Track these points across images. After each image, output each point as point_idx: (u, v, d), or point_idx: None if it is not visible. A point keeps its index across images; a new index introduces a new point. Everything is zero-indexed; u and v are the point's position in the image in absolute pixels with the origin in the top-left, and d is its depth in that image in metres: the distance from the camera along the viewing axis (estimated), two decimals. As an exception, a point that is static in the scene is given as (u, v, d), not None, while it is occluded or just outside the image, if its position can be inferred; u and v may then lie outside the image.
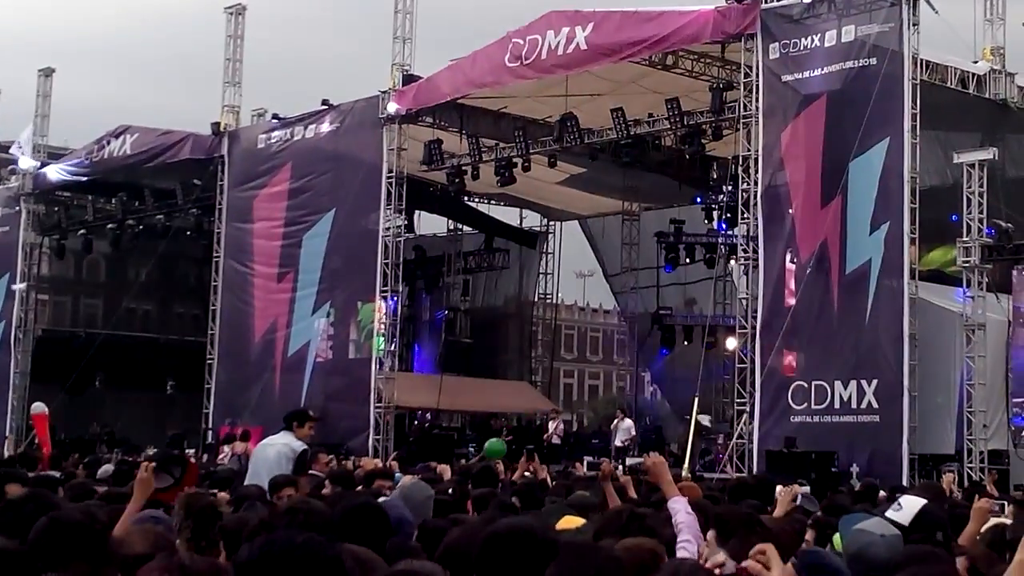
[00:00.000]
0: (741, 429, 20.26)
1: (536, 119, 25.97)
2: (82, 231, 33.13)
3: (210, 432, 27.33)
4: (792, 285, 20.01)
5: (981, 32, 22.02)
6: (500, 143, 25.85)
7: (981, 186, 19.13)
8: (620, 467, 15.42)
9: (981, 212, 19.18)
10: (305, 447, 9.59)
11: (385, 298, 25.64)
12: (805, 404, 19.59)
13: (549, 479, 11.24)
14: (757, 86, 20.58)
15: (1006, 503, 8.66)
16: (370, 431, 24.96)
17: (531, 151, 25.18)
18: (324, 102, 27.33)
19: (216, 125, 29.00)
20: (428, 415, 29.04)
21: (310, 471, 9.67)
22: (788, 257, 20.16)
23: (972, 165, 19.26)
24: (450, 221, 34.83)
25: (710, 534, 4.87)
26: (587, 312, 61.06)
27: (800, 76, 20.24)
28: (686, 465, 19.60)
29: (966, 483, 16.90)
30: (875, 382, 18.90)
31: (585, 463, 20.55)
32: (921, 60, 19.61)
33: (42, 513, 3.77)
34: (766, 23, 20.64)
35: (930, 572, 4.28)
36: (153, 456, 5.44)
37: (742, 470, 19.34)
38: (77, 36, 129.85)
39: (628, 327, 34.05)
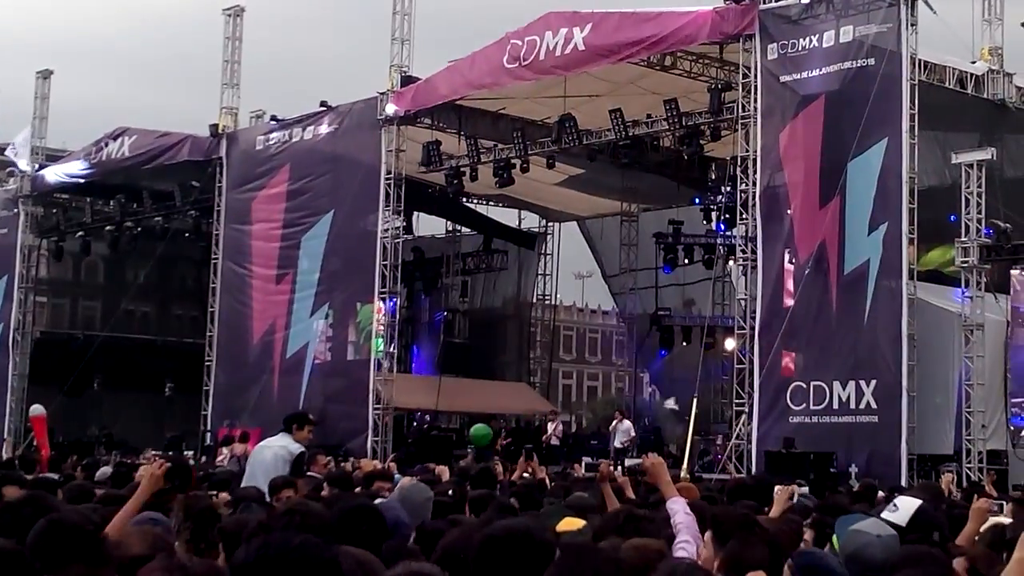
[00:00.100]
0: (740, 430, 20.26)
1: (534, 120, 25.99)
2: (80, 233, 33.14)
3: (208, 434, 27.32)
4: (791, 286, 20.01)
5: (979, 32, 22.05)
6: (499, 144, 25.86)
7: (979, 186, 19.14)
8: (618, 468, 15.41)
9: (979, 212, 19.18)
10: (302, 449, 9.58)
11: (384, 299, 25.64)
12: (804, 404, 19.59)
13: (548, 480, 11.23)
14: (755, 87, 20.59)
15: (1005, 503, 8.65)
16: (369, 432, 24.96)
17: (529, 152, 25.20)
18: (322, 104, 27.34)
19: (214, 127, 29.00)
20: (427, 416, 29.05)
21: (308, 473, 9.67)
22: (787, 258, 20.16)
23: (970, 165, 19.26)
24: (449, 222, 34.84)
25: (707, 535, 4.86)
26: (586, 313, 61.08)
27: (798, 77, 20.24)
28: (685, 466, 19.61)
29: (965, 483, 16.89)
30: (874, 382, 18.91)
31: (583, 464, 20.54)
32: (919, 60, 19.61)
33: (40, 515, 3.77)
34: (764, 24, 20.65)
35: (927, 573, 4.28)
36: (169, 457, 5.43)
37: (741, 471, 19.35)
38: (75, 38, 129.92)
39: (627, 328, 34.06)
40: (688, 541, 5.13)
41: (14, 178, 33.43)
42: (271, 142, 28.09)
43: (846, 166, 19.23)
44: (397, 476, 10.15)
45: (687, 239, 28.66)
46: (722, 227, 26.73)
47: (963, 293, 19.52)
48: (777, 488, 7.25)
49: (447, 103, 25.34)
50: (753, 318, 20.31)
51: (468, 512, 6.58)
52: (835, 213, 19.43)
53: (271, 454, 9.59)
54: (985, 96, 21.47)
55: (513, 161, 25.48)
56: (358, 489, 8.64)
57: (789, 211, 20.18)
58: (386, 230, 25.65)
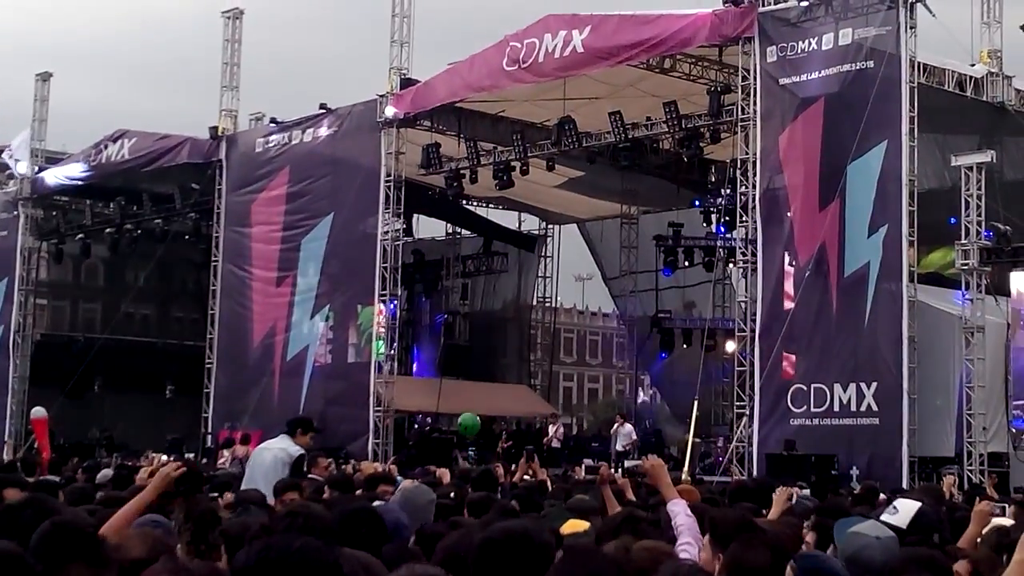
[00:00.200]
0: (741, 432, 20.25)
1: (534, 123, 25.99)
2: (80, 235, 33.14)
3: (209, 436, 27.32)
4: (791, 288, 20.01)
5: (978, 35, 22.06)
6: (498, 147, 25.87)
7: (979, 189, 19.14)
8: (618, 470, 15.41)
9: (979, 215, 19.18)
10: (302, 452, 9.59)
11: (384, 302, 25.64)
12: (804, 407, 19.58)
13: (549, 482, 11.22)
14: (755, 89, 20.60)
15: (1007, 505, 8.66)
16: (369, 435, 24.95)
17: (529, 154, 25.20)
18: (322, 106, 27.35)
19: (214, 129, 29.00)
20: (428, 419, 29.05)
21: (309, 475, 9.67)
22: (787, 260, 20.16)
23: (970, 168, 19.27)
24: (449, 225, 34.85)
25: (705, 538, 4.86)
26: (586, 315, 61.05)
27: (798, 79, 20.25)
28: (686, 468, 19.60)
29: (966, 486, 16.88)
30: (874, 385, 18.90)
31: (583, 467, 20.53)
32: (918, 63, 19.62)
33: (41, 517, 3.77)
34: (763, 26, 20.66)
35: None
36: (184, 461, 5.40)
37: (742, 473, 19.34)
38: (75, 40, 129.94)
39: (627, 330, 34.06)
40: (690, 543, 5.12)
41: (14, 180, 33.42)
42: (271, 144, 28.09)
43: (846, 169, 19.24)
44: (399, 479, 10.15)
45: (687, 241, 28.66)
46: (722, 229, 26.74)
47: (963, 295, 19.51)
48: (776, 490, 7.25)
49: (447, 106, 25.35)
50: (753, 320, 20.32)
51: (466, 514, 6.57)
52: (835, 216, 19.44)
53: (270, 456, 9.60)
54: (984, 99, 21.48)
55: (513, 163, 25.48)
56: (359, 492, 8.63)
57: (789, 214, 20.18)
58: (386, 232, 25.65)
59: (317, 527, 4.24)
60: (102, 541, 3.60)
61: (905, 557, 4.56)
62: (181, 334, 34.69)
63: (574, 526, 5.18)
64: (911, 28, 19.26)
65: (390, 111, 25.45)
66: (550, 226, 34.17)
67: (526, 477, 10.83)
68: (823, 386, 19.44)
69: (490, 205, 32.89)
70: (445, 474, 11.36)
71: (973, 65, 21.71)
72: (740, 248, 21.40)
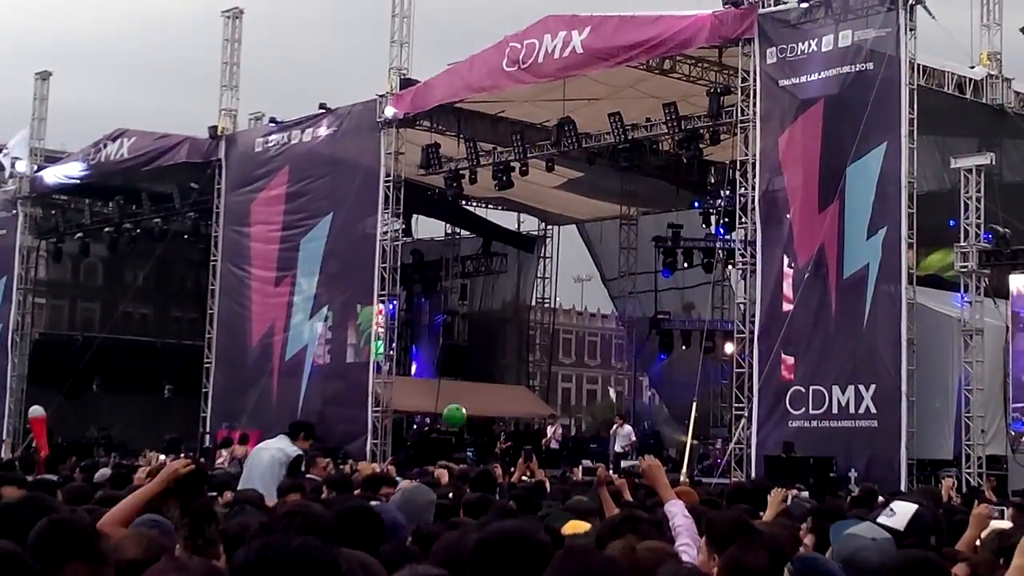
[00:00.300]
0: (739, 434, 20.25)
1: (534, 123, 26.00)
2: (79, 234, 33.14)
3: (207, 436, 27.31)
4: (790, 290, 20.01)
5: (978, 37, 22.07)
6: (498, 147, 25.87)
7: (978, 191, 19.16)
8: (614, 472, 15.40)
9: (979, 217, 19.19)
10: (299, 452, 9.61)
11: (383, 302, 25.64)
12: (803, 409, 19.58)
13: (547, 483, 11.22)
14: (754, 91, 20.60)
15: (1005, 508, 8.65)
16: (368, 435, 24.94)
17: (529, 155, 25.21)
18: (321, 106, 27.35)
19: (213, 129, 28.99)
20: (426, 419, 29.03)
21: (308, 476, 9.67)
22: (786, 262, 20.17)
23: (969, 170, 19.28)
24: (448, 225, 34.85)
25: (702, 540, 4.86)
26: (585, 316, 61.06)
27: (797, 81, 20.26)
28: (684, 470, 19.59)
29: (964, 489, 16.88)
30: (873, 387, 18.90)
31: (581, 468, 20.53)
32: (918, 65, 19.63)
33: (39, 516, 3.76)
34: (763, 28, 20.66)
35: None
36: (195, 460, 5.38)
37: (740, 475, 19.34)
38: (74, 40, 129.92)
39: (626, 332, 34.07)
40: (688, 544, 5.11)
41: (13, 179, 33.42)
42: (270, 144, 28.09)
43: (845, 170, 19.24)
44: (398, 479, 10.15)
45: (686, 243, 28.67)
46: (721, 231, 26.74)
47: (962, 298, 19.52)
48: (771, 491, 7.25)
49: (446, 106, 25.35)
50: (752, 322, 20.32)
51: (462, 515, 6.56)
52: (834, 217, 19.44)
53: (268, 456, 9.61)
54: (984, 101, 21.49)
55: (512, 164, 25.49)
56: (357, 492, 8.63)
57: (788, 215, 20.19)
58: (385, 233, 25.65)
59: (316, 526, 4.23)
60: (99, 539, 3.59)
61: (902, 559, 4.56)
62: (180, 334, 34.69)
63: (575, 527, 5.18)
64: (911, 30, 19.27)
65: (390, 111, 25.45)
66: (549, 227, 34.18)
67: (524, 478, 10.83)
68: (822, 388, 19.44)
69: (489, 206, 32.90)
70: (444, 474, 11.36)
71: (973, 67, 21.72)
72: (739, 249, 21.40)
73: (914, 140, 19.07)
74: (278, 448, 9.65)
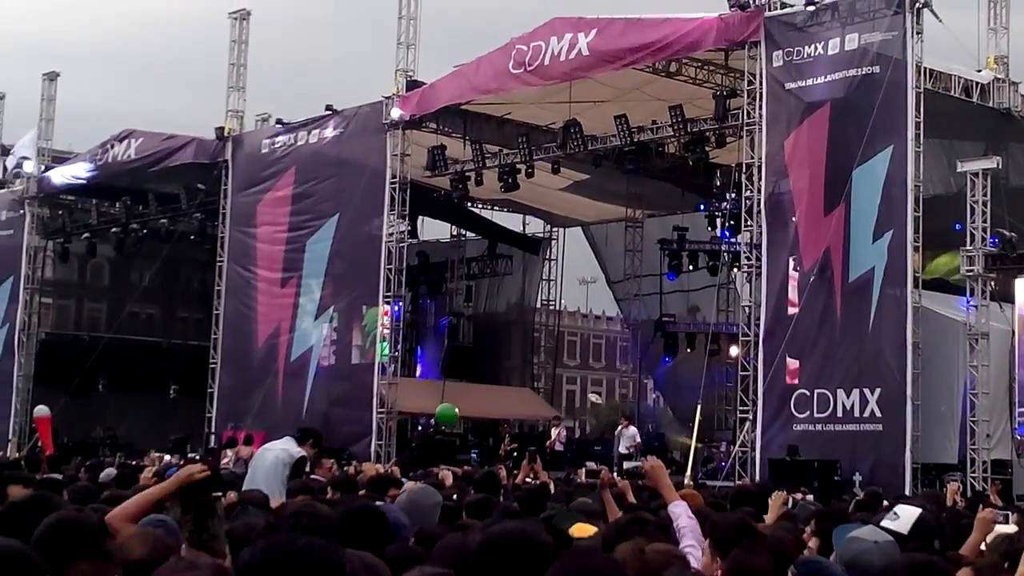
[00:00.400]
0: (744, 437, 20.24)
1: (540, 125, 26.00)
2: (86, 235, 33.19)
3: (212, 436, 27.34)
4: (795, 293, 20.00)
5: (985, 41, 22.04)
6: (504, 149, 25.88)
7: (985, 195, 19.13)
8: (618, 474, 15.38)
9: (985, 221, 19.17)
10: (303, 454, 9.63)
11: (389, 303, 25.66)
12: (808, 412, 19.56)
13: (551, 484, 11.22)
14: (760, 94, 20.60)
15: (1010, 512, 8.63)
16: (372, 436, 24.96)
17: (535, 157, 25.22)
18: (328, 107, 27.38)
19: (220, 130, 29.04)
20: (431, 421, 29.04)
21: (312, 476, 9.69)
22: (791, 265, 20.15)
23: (976, 174, 19.26)
24: (453, 227, 34.87)
25: (705, 542, 4.86)
26: (590, 319, 61.07)
27: (803, 84, 20.25)
28: (688, 472, 19.59)
29: (969, 493, 16.85)
30: (878, 391, 18.88)
31: (584, 470, 20.52)
32: (925, 69, 19.61)
33: (45, 515, 3.78)
34: (770, 31, 20.66)
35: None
36: (210, 466, 5.38)
37: (744, 478, 19.32)
38: (82, 40, 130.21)
39: (631, 334, 34.05)
40: (693, 545, 5.11)
41: (20, 179, 33.51)
42: (276, 145, 28.13)
43: (851, 174, 19.23)
44: (403, 481, 10.17)
45: (692, 245, 28.65)
46: (727, 234, 26.72)
47: (968, 302, 19.49)
48: (772, 494, 7.25)
49: (452, 108, 25.37)
50: (757, 325, 20.30)
51: (465, 516, 6.56)
52: (840, 221, 19.43)
53: (272, 456, 9.64)
54: (991, 105, 21.46)
55: (518, 166, 25.50)
56: (362, 493, 8.64)
57: (794, 218, 20.18)
58: (391, 234, 25.67)
59: (322, 527, 4.24)
60: (106, 538, 3.61)
61: (906, 563, 4.57)
62: (186, 334, 34.75)
63: (582, 530, 5.18)
64: (918, 33, 19.25)
65: (396, 113, 25.48)
66: (555, 229, 34.17)
67: (528, 480, 10.84)
68: (826, 391, 19.42)
69: (495, 207, 32.90)
70: (448, 476, 11.37)
71: (979, 71, 21.70)
72: (745, 252, 21.39)
73: (920, 143, 19.05)
74: (282, 449, 9.68)
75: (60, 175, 32.35)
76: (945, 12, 19.45)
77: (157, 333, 35.57)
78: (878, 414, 18.83)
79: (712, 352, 24.57)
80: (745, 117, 20.99)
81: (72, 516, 3.66)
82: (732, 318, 27.22)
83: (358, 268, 26.19)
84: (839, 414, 19.24)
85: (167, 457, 20.80)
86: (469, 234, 34.76)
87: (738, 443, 20.44)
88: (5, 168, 33.58)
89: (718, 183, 25.95)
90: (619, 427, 25.43)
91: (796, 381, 19.80)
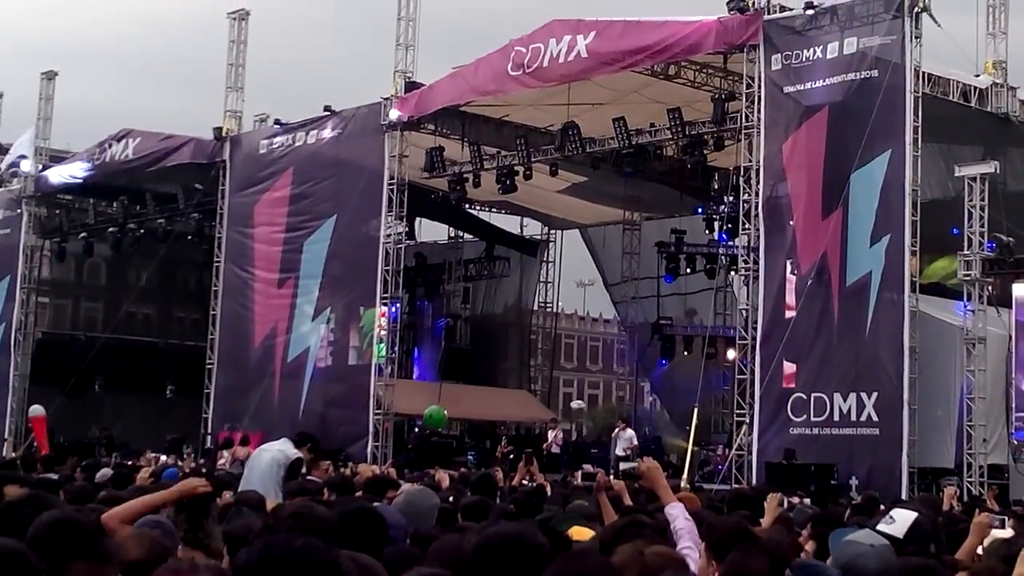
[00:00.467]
0: (740, 440, 20.24)
1: (538, 127, 26.01)
2: (83, 234, 33.18)
3: (209, 437, 27.33)
4: (792, 297, 20.01)
5: (983, 46, 22.08)
6: (502, 151, 25.89)
7: (982, 199, 19.14)
8: (615, 476, 15.35)
9: (982, 225, 19.19)
10: (299, 456, 9.64)
11: (386, 304, 25.65)
12: (804, 416, 19.57)
13: (548, 487, 11.21)
14: (759, 97, 20.61)
15: (1006, 517, 8.63)
16: (369, 438, 24.94)
17: (533, 159, 25.23)
18: (326, 108, 27.38)
19: (218, 130, 29.04)
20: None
21: (308, 477, 9.69)
22: (788, 268, 20.16)
23: (973, 178, 19.28)
24: (451, 228, 34.88)
25: (701, 546, 4.85)
26: (587, 321, 61.04)
27: (802, 87, 20.26)
28: (685, 476, 19.60)
29: (966, 498, 16.85)
30: (875, 395, 18.89)
31: (580, 473, 20.48)
32: (923, 73, 19.64)
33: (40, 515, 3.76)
34: (768, 34, 20.67)
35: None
36: (212, 482, 5.36)
37: (741, 481, 19.33)
38: (80, 40, 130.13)
39: (628, 337, 34.07)
40: (691, 547, 5.09)
41: (18, 178, 33.49)
42: (274, 146, 28.13)
43: (849, 177, 19.24)
44: (400, 482, 10.16)
45: (689, 248, 28.66)
46: (724, 237, 26.73)
47: (965, 306, 19.50)
48: (768, 496, 7.25)
49: (450, 109, 25.38)
50: (754, 328, 20.31)
51: (461, 519, 6.54)
52: (837, 224, 19.44)
53: (268, 457, 9.65)
54: (989, 109, 21.50)
55: (516, 168, 25.51)
56: (359, 494, 8.63)
57: (791, 222, 20.19)
58: (388, 235, 25.67)
59: (320, 528, 4.23)
60: (104, 538, 3.59)
61: (902, 567, 4.56)
62: (182, 334, 34.72)
63: (581, 533, 5.17)
64: (916, 38, 19.27)
65: (394, 114, 25.48)
66: (552, 231, 34.19)
67: (524, 482, 10.83)
68: (823, 395, 19.43)
69: (493, 209, 32.90)
70: (444, 478, 11.36)
71: (978, 75, 21.73)
72: (742, 256, 21.40)
73: (918, 148, 19.06)
74: (279, 450, 9.69)
75: (57, 174, 32.33)
76: (944, 16, 19.50)
77: (154, 333, 35.54)
78: (875, 418, 18.84)
79: (709, 355, 24.59)
80: (743, 120, 21.00)
81: (69, 516, 3.65)
82: (729, 321, 27.26)
83: (355, 269, 26.18)
84: (836, 418, 19.24)
85: (163, 457, 20.79)
86: (467, 236, 34.77)
87: (735, 446, 20.44)
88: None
89: (716, 186, 25.96)
90: (616, 430, 25.45)
91: (793, 385, 19.80)
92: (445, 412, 24.65)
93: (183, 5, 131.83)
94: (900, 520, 5.23)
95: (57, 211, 33.67)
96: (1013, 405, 19.49)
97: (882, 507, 10.05)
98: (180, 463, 16.52)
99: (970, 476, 18.64)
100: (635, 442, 24.69)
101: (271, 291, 27.86)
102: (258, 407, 26.31)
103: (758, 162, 20.52)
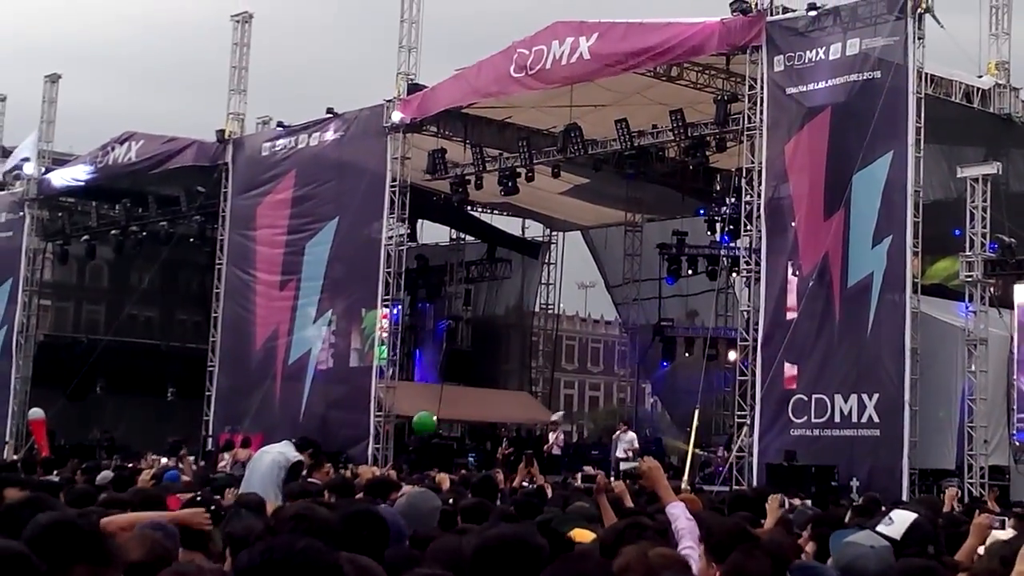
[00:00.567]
0: (741, 442, 20.23)
1: (540, 129, 26.01)
2: (86, 237, 33.20)
3: (210, 439, 27.32)
4: (794, 298, 20.00)
5: (986, 47, 22.05)
6: (504, 153, 25.89)
7: (984, 200, 19.13)
8: (614, 477, 15.34)
9: (984, 227, 19.17)
10: (300, 458, 9.65)
11: (388, 306, 25.66)
12: (805, 417, 19.56)
13: (549, 488, 11.21)
14: (761, 98, 20.61)
15: (1007, 518, 8.62)
16: (370, 440, 24.95)
17: (535, 161, 25.23)
18: (328, 110, 27.40)
19: (221, 132, 29.06)
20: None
21: (309, 479, 9.69)
22: (790, 270, 20.16)
23: (976, 179, 19.26)
24: (453, 230, 34.87)
25: (700, 547, 4.85)
26: (588, 323, 61.00)
27: (804, 89, 20.26)
28: (685, 477, 19.58)
29: (966, 499, 16.83)
30: (876, 396, 18.88)
31: (580, 475, 20.44)
32: (926, 74, 19.62)
33: (40, 518, 3.76)
34: (771, 35, 20.67)
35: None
36: (214, 513, 5.34)
37: (741, 483, 19.31)
38: (84, 42, 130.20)
39: (629, 338, 34.04)
40: (692, 547, 5.08)
41: (20, 181, 33.53)
42: (277, 148, 28.14)
43: (851, 179, 19.23)
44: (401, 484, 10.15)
45: (691, 250, 28.64)
46: (726, 238, 26.72)
47: (967, 307, 19.49)
48: (769, 497, 7.23)
49: (453, 111, 25.38)
50: (756, 330, 20.30)
51: (460, 521, 6.54)
52: (839, 226, 19.43)
53: (269, 459, 9.67)
54: (991, 110, 21.47)
55: (518, 170, 25.51)
56: (359, 496, 8.62)
57: (793, 223, 20.18)
58: (390, 237, 25.68)
59: (322, 530, 4.23)
60: (108, 542, 3.59)
61: (902, 568, 4.56)
62: (184, 337, 34.73)
63: (582, 535, 5.16)
64: (919, 39, 19.25)
65: (396, 116, 25.49)
66: (554, 233, 34.17)
67: (525, 483, 10.82)
68: (824, 397, 19.41)
69: (494, 211, 32.90)
70: (445, 480, 11.36)
71: (980, 76, 21.71)
72: (744, 257, 21.39)
73: (921, 149, 19.06)
74: (279, 452, 9.70)
75: (60, 177, 32.36)
76: (946, 17, 19.49)
77: (155, 336, 35.56)
78: (876, 419, 18.82)
79: (710, 357, 24.57)
80: (746, 122, 20.99)
81: (66, 518, 3.64)
82: (731, 323, 27.24)
83: (357, 271, 26.18)
84: (837, 419, 19.23)
85: (164, 460, 20.77)
86: (468, 238, 34.76)
87: (735, 448, 20.42)
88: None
89: (718, 187, 25.96)
90: (617, 432, 25.41)
91: (794, 386, 19.79)
92: (434, 418, 24.58)
93: (186, 8, 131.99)
94: (898, 521, 5.22)
95: (60, 214, 33.70)
96: (1014, 407, 19.48)
97: (883, 508, 10.04)
98: (180, 466, 16.50)
99: (971, 477, 18.62)
100: (636, 444, 24.67)
101: (273, 293, 27.87)
102: (259, 409, 26.31)
103: (760, 163, 20.52)
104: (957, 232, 19.57)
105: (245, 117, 29.41)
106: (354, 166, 26.40)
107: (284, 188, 27.90)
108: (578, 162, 25.52)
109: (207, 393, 28.53)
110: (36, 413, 23.77)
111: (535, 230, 34.41)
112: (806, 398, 19.57)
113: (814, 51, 20.20)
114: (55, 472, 13.27)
